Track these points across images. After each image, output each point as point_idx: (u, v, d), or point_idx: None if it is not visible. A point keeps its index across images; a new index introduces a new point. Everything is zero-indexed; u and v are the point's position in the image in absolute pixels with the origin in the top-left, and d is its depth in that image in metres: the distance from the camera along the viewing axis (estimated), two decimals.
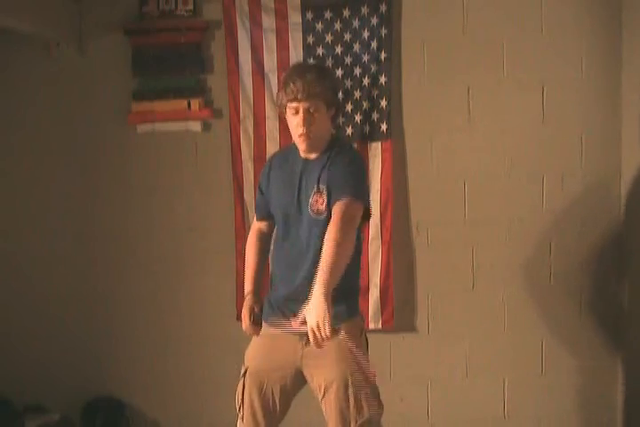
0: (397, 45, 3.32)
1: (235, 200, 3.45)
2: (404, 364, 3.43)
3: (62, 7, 3.41)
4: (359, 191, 2.19)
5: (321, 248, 2.14)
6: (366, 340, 2.35)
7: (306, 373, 2.29)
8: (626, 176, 3.24)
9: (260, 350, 2.38)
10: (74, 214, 3.60)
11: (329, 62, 3.34)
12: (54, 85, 3.56)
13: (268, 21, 3.39)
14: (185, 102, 3.47)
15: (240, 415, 2.39)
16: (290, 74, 2.27)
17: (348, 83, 3.35)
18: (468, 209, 3.35)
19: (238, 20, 3.41)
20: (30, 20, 3.21)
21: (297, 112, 2.21)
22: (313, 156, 2.30)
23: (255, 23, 3.40)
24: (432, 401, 3.43)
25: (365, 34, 3.32)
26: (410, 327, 3.41)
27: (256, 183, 3.38)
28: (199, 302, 3.52)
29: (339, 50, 3.35)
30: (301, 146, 2.27)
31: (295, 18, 3.37)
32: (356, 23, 3.33)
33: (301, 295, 2.23)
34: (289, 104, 2.22)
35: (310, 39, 3.37)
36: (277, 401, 2.34)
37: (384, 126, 3.32)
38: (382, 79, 3.31)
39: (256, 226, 2.58)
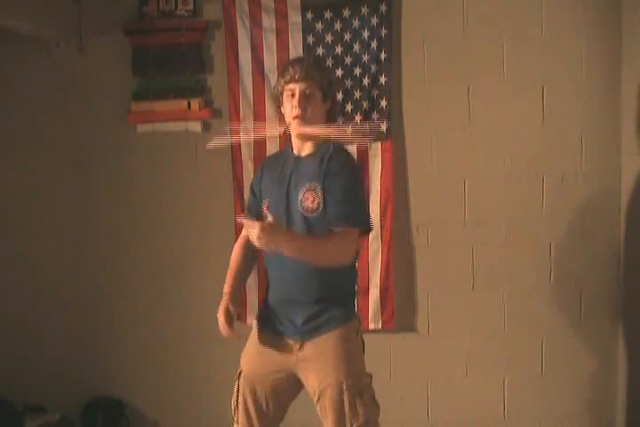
0: (397, 45, 3.32)
1: (235, 200, 3.45)
2: (404, 364, 3.43)
3: (62, 7, 3.42)
4: (358, 216, 2.21)
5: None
6: (362, 342, 2.35)
7: (301, 376, 2.29)
8: (626, 176, 3.24)
9: (255, 354, 2.38)
10: (74, 214, 3.60)
11: (329, 62, 3.34)
12: (54, 85, 3.56)
13: (268, 21, 3.39)
14: (185, 102, 3.47)
15: (235, 419, 2.39)
16: (288, 61, 2.36)
17: (348, 83, 3.35)
18: (468, 209, 3.35)
19: (238, 20, 3.41)
20: (30, 20, 3.21)
21: (293, 95, 2.24)
22: (305, 151, 2.29)
23: (255, 23, 3.40)
24: (432, 401, 3.43)
25: (365, 34, 3.32)
26: (410, 327, 3.41)
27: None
28: (199, 302, 3.52)
29: (339, 50, 3.36)
30: (296, 129, 2.26)
31: (295, 18, 3.37)
32: (356, 23, 3.33)
33: (294, 297, 2.25)
34: (286, 87, 2.25)
35: (310, 39, 3.37)
36: (271, 405, 2.33)
37: (384, 126, 3.32)
38: (382, 79, 3.31)
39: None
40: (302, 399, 2.40)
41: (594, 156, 3.29)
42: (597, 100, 3.27)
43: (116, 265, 3.58)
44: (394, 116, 3.34)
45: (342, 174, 2.22)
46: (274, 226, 2.08)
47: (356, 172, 2.33)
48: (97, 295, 3.59)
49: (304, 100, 2.23)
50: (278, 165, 2.36)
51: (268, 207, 2.19)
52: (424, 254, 3.39)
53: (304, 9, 3.36)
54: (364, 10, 3.31)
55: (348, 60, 3.35)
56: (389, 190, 3.34)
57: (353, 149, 3.24)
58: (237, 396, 2.37)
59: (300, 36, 3.37)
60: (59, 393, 3.58)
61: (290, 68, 2.25)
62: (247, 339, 2.45)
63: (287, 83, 2.24)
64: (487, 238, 3.34)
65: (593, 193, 3.30)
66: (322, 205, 2.19)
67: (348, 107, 3.35)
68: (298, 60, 2.38)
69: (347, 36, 3.34)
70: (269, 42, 3.40)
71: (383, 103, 3.32)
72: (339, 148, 2.30)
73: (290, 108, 2.26)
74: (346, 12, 3.34)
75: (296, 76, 2.22)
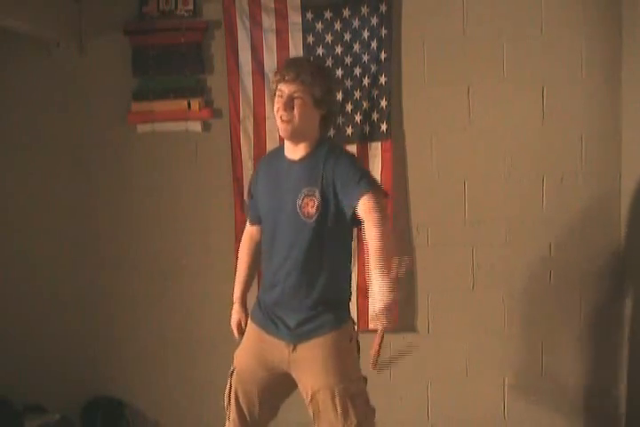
0: (397, 45, 3.32)
1: (235, 200, 3.45)
2: (404, 364, 3.41)
3: (62, 7, 3.42)
4: (373, 183, 2.17)
5: (308, 252, 2.17)
6: (357, 345, 2.33)
7: (294, 376, 2.28)
8: (626, 176, 3.24)
9: (249, 353, 2.37)
10: (73, 214, 3.60)
11: (329, 62, 3.34)
12: (54, 85, 3.56)
13: (268, 21, 3.39)
14: (185, 102, 3.47)
15: (227, 415, 2.39)
16: (286, 60, 2.32)
17: (348, 83, 3.35)
18: (468, 209, 3.35)
19: (238, 20, 3.41)
20: (30, 20, 3.21)
21: (281, 96, 2.21)
22: (298, 155, 2.27)
23: (255, 23, 3.40)
24: (432, 401, 3.43)
25: (365, 34, 3.32)
26: (410, 327, 3.41)
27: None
28: (199, 302, 3.52)
29: (339, 50, 3.35)
30: (281, 132, 2.25)
31: (295, 18, 3.37)
32: (356, 23, 3.33)
33: (288, 301, 2.25)
34: (277, 86, 2.22)
35: (310, 39, 3.37)
36: (263, 403, 2.33)
37: (384, 126, 3.32)
38: (382, 79, 3.31)
39: (248, 231, 2.57)
40: (299, 400, 2.39)
41: (594, 156, 3.28)
42: (597, 100, 3.26)
43: (116, 265, 3.58)
44: (394, 116, 3.34)
45: (344, 160, 2.21)
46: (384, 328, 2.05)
47: (355, 158, 2.33)
48: (97, 295, 3.59)
49: (289, 102, 2.19)
50: (272, 170, 2.34)
51: None
52: (424, 254, 3.39)
53: (304, 9, 3.36)
54: (364, 10, 3.31)
55: (347, 60, 3.35)
56: (389, 190, 3.33)
57: (353, 148, 3.25)
58: (230, 392, 2.37)
59: (299, 36, 3.37)
60: (59, 393, 3.58)
61: (284, 68, 2.23)
62: None
63: (278, 82, 2.22)
64: (487, 238, 3.34)
65: (593, 193, 3.30)
66: (321, 209, 2.18)
67: (348, 107, 3.35)
68: (294, 61, 2.36)
69: (347, 36, 3.34)
70: (269, 42, 3.40)
71: (383, 103, 3.32)
72: (332, 148, 2.28)
73: (276, 110, 2.23)
74: (346, 12, 3.34)
75: (286, 77, 2.19)
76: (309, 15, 3.36)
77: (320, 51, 3.36)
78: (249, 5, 3.40)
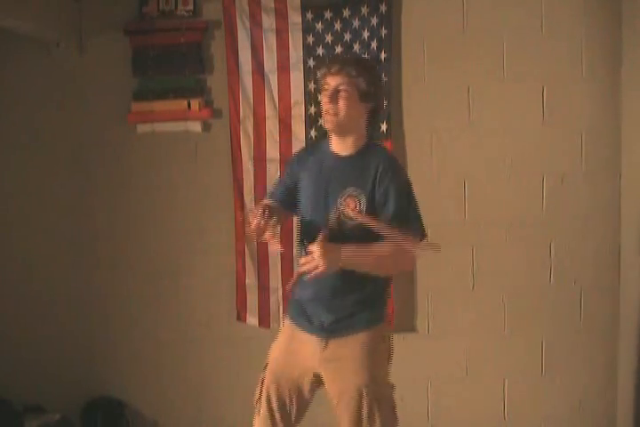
0: (397, 45, 3.32)
1: (235, 200, 3.45)
2: (404, 364, 3.42)
3: (62, 7, 3.41)
4: (420, 228, 2.23)
5: None
6: (390, 348, 2.33)
7: (323, 374, 2.26)
8: (626, 176, 3.24)
9: (283, 350, 2.35)
10: (73, 214, 3.60)
11: None
12: (54, 85, 3.56)
13: (268, 21, 3.39)
14: (185, 102, 3.47)
15: (257, 409, 2.35)
16: (335, 56, 2.35)
17: None
18: (468, 209, 3.35)
19: (238, 20, 3.41)
20: (30, 20, 3.21)
21: (327, 89, 2.20)
22: (346, 151, 2.25)
23: (255, 23, 3.40)
24: (432, 401, 3.43)
25: (365, 34, 3.32)
26: (410, 327, 3.41)
27: (256, 183, 3.40)
28: (199, 301, 3.52)
29: (339, 50, 3.35)
30: (326, 125, 2.23)
31: (295, 18, 3.36)
32: (356, 23, 3.33)
33: (326, 299, 2.23)
34: (323, 81, 2.21)
35: (310, 39, 3.37)
36: (295, 403, 2.30)
37: (384, 126, 3.32)
38: (382, 79, 3.31)
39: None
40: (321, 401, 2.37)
41: (594, 156, 3.28)
42: (597, 99, 3.27)
43: (115, 265, 3.58)
44: (394, 116, 3.33)
45: (400, 183, 2.20)
46: (331, 245, 2.06)
47: (410, 185, 2.28)
48: (97, 295, 3.59)
49: (334, 95, 2.17)
50: (317, 163, 2.30)
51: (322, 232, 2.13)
52: (424, 254, 3.37)
53: (304, 9, 3.35)
54: (364, 10, 3.31)
55: None
56: None
57: None
58: (262, 387, 2.34)
59: (300, 36, 3.37)
60: (58, 393, 3.58)
61: (329, 62, 2.24)
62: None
63: (323, 76, 2.21)
64: (487, 238, 3.34)
65: (593, 193, 3.30)
66: (362, 211, 2.16)
67: None
68: (339, 56, 2.40)
69: (347, 36, 3.34)
70: (269, 42, 3.40)
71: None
72: (388, 157, 2.27)
73: (322, 104, 2.22)
74: (346, 12, 3.33)
75: (331, 70, 2.18)
76: (309, 15, 3.36)
77: (320, 51, 3.36)
78: (249, 5, 3.39)
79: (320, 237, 2.08)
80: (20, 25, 3.19)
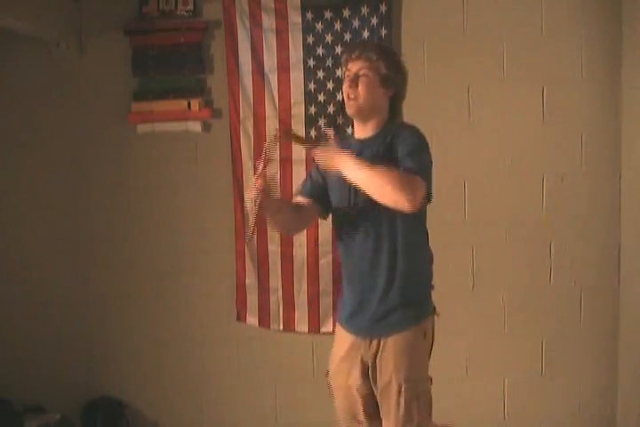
0: (397, 45, 3.32)
1: (235, 200, 3.45)
2: None
3: (62, 7, 3.42)
4: (423, 168, 2.14)
5: (388, 242, 2.16)
6: (431, 344, 2.33)
7: (370, 372, 2.24)
8: (626, 176, 3.24)
9: (339, 358, 2.31)
10: (73, 214, 3.60)
11: (329, 62, 3.34)
12: (54, 85, 3.56)
13: (268, 21, 3.39)
14: (185, 102, 3.47)
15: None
16: (357, 42, 2.39)
17: None
18: (468, 209, 3.35)
19: (238, 20, 3.41)
20: (30, 20, 3.21)
21: (349, 75, 2.20)
22: (367, 133, 2.24)
23: (255, 23, 3.40)
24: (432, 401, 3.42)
25: (365, 34, 3.32)
26: None
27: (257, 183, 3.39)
28: (199, 302, 3.52)
29: (339, 50, 3.34)
30: (348, 109, 2.22)
31: (295, 18, 3.36)
32: (356, 23, 3.33)
33: (370, 299, 2.20)
34: (345, 67, 2.22)
35: (310, 39, 3.36)
36: (362, 401, 2.28)
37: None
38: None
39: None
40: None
41: (594, 156, 3.29)
42: (597, 100, 3.27)
43: (115, 265, 3.58)
44: None
45: (412, 137, 2.19)
46: (332, 144, 2.07)
47: (425, 140, 2.24)
48: (97, 295, 3.59)
49: (355, 79, 2.17)
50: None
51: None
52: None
53: (304, 9, 3.35)
54: (364, 10, 3.31)
55: None
56: None
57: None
58: (331, 393, 2.34)
59: (300, 36, 3.37)
60: (58, 393, 3.58)
61: (350, 48, 2.25)
62: None
63: (345, 63, 2.22)
64: (487, 238, 3.34)
65: (593, 193, 3.30)
66: None
67: None
68: (360, 42, 2.43)
69: (347, 36, 3.34)
70: (269, 42, 3.39)
71: None
72: (401, 124, 2.28)
73: (344, 88, 2.22)
74: (346, 12, 3.33)
75: (352, 55, 2.19)
76: (309, 15, 3.36)
77: (320, 51, 3.36)
78: (249, 5, 3.39)
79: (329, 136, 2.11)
80: (20, 25, 3.19)
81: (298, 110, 3.39)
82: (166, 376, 3.58)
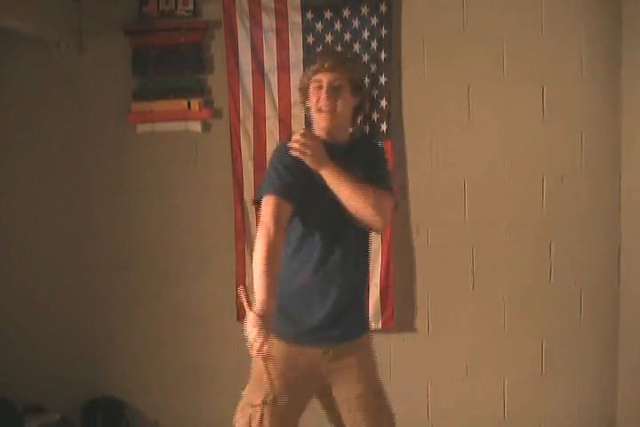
0: (397, 45, 3.32)
1: (235, 200, 3.45)
2: (404, 364, 3.43)
3: (62, 7, 3.42)
4: (387, 182, 2.22)
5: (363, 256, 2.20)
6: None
7: (332, 383, 2.19)
8: (626, 176, 3.24)
9: (285, 369, 2.15)
10: (73, 214, 3.60)
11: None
12: (54, 85, 3.56)
13: (268, 21, 3.39)
14: (185, 102, 3.47)
15: None
16: (317, 52, 2.38)
17: None
18: (468, 209, 3.35)
19: (238, 20, 3.41)
20: (30, 20, 3.21)
21: (320, 86, 2.14)
22: (334, 140, 2.18)
23: (255, 23, 3.40)
24: (432, 401, 3.43)
25: (365, 34, 3.32)
26: (410, 327, 3.41)
27: (257, 183, 3.40)
28: (199, 302, 3.52)
29: (339, 50, 3.35)
30: (322, 123, 2.16)
31: (295, 18, 3.37)
32: (356, 23, 3.33)
33: (331, 308, 2.14)
34: (313, 77, 2.15)
35: (310, 39, 3.36)
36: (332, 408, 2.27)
37: (384, 126, 3.32)
38: (382, 79, 3.31)
39: (283, 214, 2.07)
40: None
41: (594, 156, 3.28)
42: (597, 99, 3.27)
43: (115, 265, 3.58)
44: (394, 116, 3.33)
45: (384, 156, 2.31)
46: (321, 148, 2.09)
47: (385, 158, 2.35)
48: (97, 295, 3.59)
49: (332, 91, 2.12)
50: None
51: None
52: (424, 255, 3.39)
53: (304, 9, 3.36)
54: (364, 10, 3.31)
55: None
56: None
57: None
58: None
59: (300, 36, 3.37)
60: (59, 393, 3.58)
61: (319, 59, 2.17)
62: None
63: (315, 73, 2.13)
64: (487, 238, 3.34)
65: (593, 193, 3.30)
66: None
67: None
68: (327, 51, 2.36)
69: (347, 36, 3.34)
70: (269, 42, 3.40)
71: (383, 103, 3.32)
72: (372, 139, 2.36)
73: (316, 100, 2.14)
74: (346, 12, 3.33)
75: (325, 65, 2.11)
76: (309, 15, 3.36)
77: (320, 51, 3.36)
78: (249, 5, 3.40)
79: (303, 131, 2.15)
80: (20, 25, 3.19)
81: (298, 110, 3.38)
82: (167, 376, 3.58)
